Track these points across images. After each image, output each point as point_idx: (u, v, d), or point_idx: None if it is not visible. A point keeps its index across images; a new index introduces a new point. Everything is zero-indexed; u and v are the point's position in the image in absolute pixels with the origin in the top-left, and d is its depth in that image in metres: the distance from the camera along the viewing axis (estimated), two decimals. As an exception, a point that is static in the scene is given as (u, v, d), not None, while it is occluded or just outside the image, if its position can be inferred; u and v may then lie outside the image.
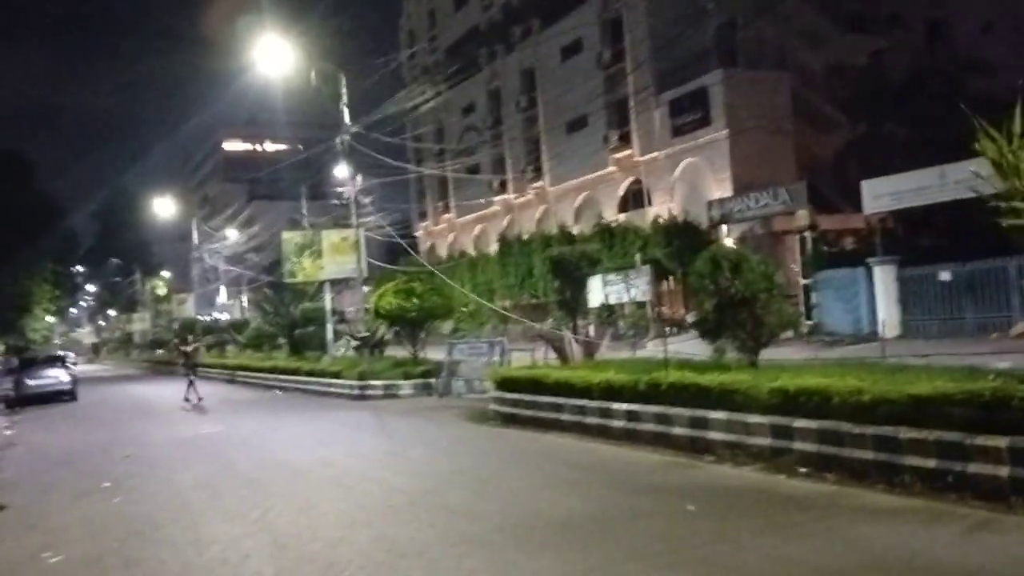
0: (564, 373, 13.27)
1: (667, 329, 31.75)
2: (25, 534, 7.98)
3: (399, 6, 60.27)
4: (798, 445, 8.98)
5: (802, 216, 29.69)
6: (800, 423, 8.98)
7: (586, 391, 12.37)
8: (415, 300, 21.49)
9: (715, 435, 10.08)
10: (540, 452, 11.20)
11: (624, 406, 11.57)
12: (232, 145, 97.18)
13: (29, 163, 54.65)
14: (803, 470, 8.72)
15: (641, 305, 30.59)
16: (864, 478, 8.09)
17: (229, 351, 41.80)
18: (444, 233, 56.27)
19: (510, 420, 14.07)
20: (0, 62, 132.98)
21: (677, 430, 10.65)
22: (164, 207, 55.71)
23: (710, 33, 36.99)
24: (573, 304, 15.29)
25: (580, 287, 15.45)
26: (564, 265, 15.10)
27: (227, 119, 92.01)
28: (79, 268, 77.88)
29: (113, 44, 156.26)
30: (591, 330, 15.88)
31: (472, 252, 48.53)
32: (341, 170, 44.42)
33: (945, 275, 22.37)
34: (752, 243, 32.09)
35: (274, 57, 22.50)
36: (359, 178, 22.99)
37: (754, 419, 9.58)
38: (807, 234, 29.72)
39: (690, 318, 33.37)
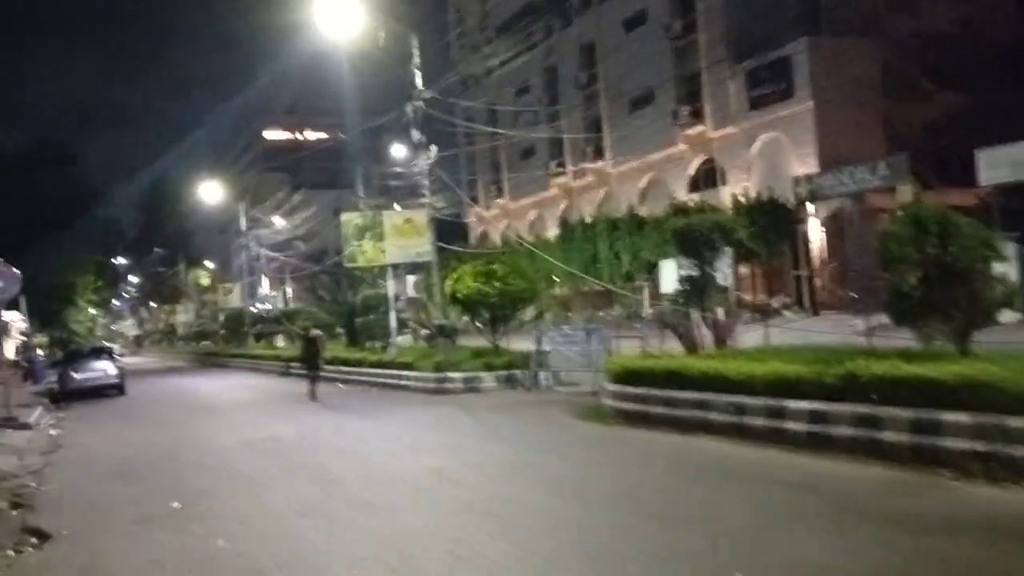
0: (710, 364, 10.99)
1: (752, 315, 29.42)
2: (77, 582, 5.96)
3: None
4: (1100, 459, 6.67)
5: (904, 192, 27.09)
6: (1104, 430, 6.65)
7: (746, 386, 10.10)
8: (496, 283, 19.33)
9: (953, 443, 7.77)
10: (705, 463, 8.97)
11: (806, 405, 9.29)
12: (274, 134, 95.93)
13: (72, 152, 53.35)
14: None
15: (722, 290, 28.13)
16: None
17: (280, 342, 40.13)
18: (497, 218, 54.09)
19: (636, 419, 11.84)
20: (50, 59, 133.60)
21: (890, 435, 8.34)
22: (207, 194, 54.18)
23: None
24: (703, 283, 13.01)
25: (711, 264, 13.17)
26: (693, 238, 12.83)
27: (269, 109, 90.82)
28: (122, 259, 77.01)
29: (160, 40, 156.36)
30: (720, 313, 13.61)
31: (528, 237, 46.34)
32: (398, 149, 42.58)
33: (1076, 253, 19.74)
34: (845, 221, 29.56)
35: (338, 19, 20.47)
36: (434, 149, 20.76)
37: (1019, 423, 7.26)
38: (899, 211, 27.05)
39: (775, 303, 31.06)
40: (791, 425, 9.44)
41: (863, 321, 23.28)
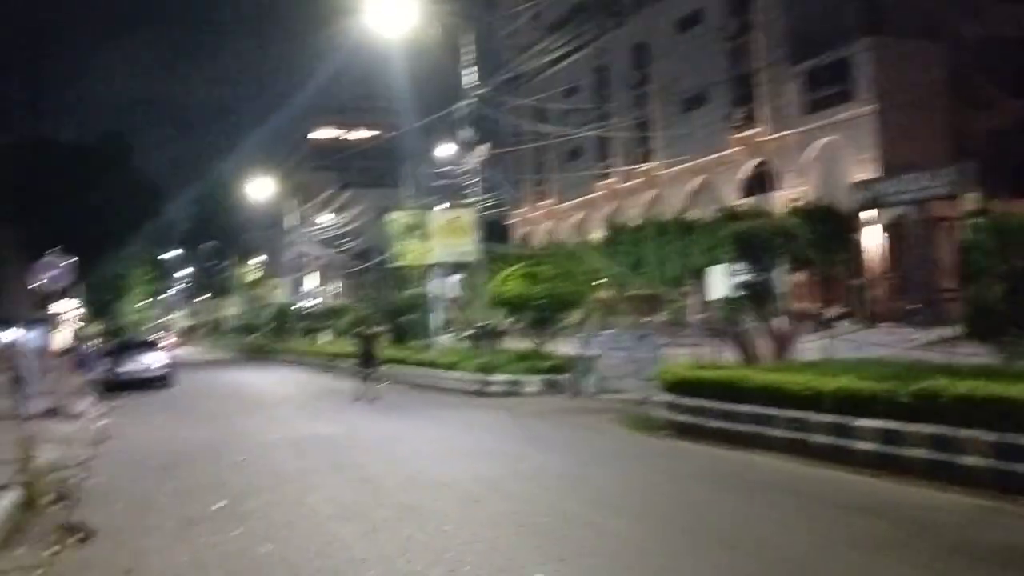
0: (772, 376, 10.51)
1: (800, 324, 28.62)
2: (118, 585, 5.75)
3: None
4: None
5: (970, 200, 26.16)
6: None
7: (811, 401, 9.60)
8: (543, 285, 19.01)
9: (1043, 471, 7.24)
10: (768, 482, 8.52)
11: (877, 423, 8.78)
12: (323, 133, 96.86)
13: (127, 145, 54.27)
14: None
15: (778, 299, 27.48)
16: None
17: (323, 338, 40.25)
18: (541, 220, 53.74)
19: (690, 431, 11.42)
20: (107, 56, 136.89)
21: (971, 460, 7.82)
22: (257, 191, 54.79)
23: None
24: (762, 290, 12.51)
25: (771, 270, 12.67)
26: (754, 243, 12.34)
27: (319, 107, 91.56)
28: (174, 252, 78.29)
29: (214, 37, 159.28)
30: (780, 323, 13.10)
31: (572, 239, 45.90)
32: (446, 148, 42.49)
33: None
34: (906, 230, 28.68)
35: (391, 16, 20.35)
36: (485, 146, 20.50)
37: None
38: (978, 220, 26.05)
39: (830, 313, 30.24)
40: (860, 444, 8.95)
41: (924, 334, 22.46)
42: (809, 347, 14.32)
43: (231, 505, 7.86)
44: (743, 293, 12.88)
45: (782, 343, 12.64)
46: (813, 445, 9.50)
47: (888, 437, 8.64)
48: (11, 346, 19.84)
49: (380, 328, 21.24)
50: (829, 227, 29.48)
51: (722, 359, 13.58)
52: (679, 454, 10.35)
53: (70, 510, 8.05)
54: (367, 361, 19.68)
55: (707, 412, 11.28)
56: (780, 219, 17.61)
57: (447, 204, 31.19)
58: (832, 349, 14.32)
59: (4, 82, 44.43)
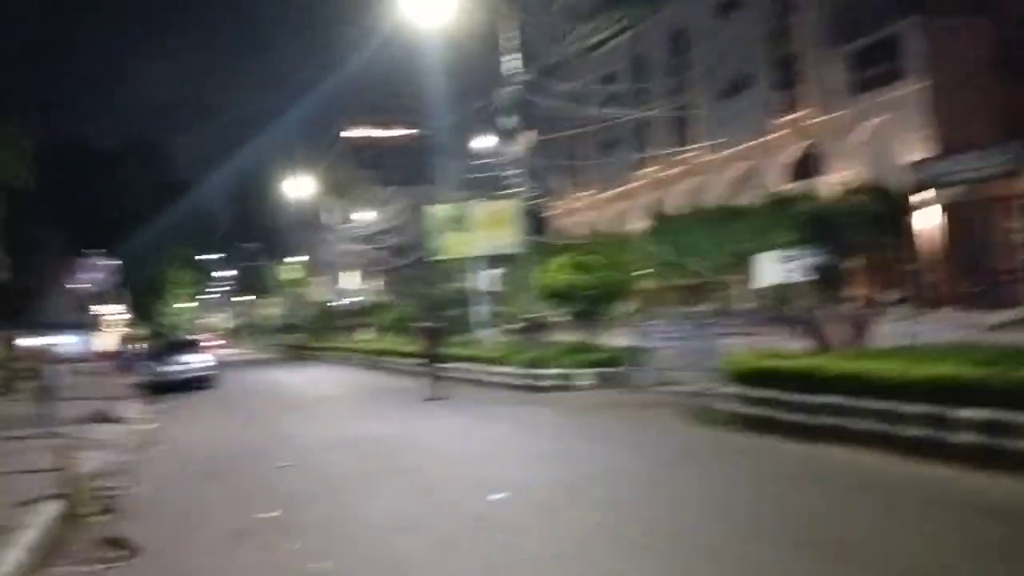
0: (852, 364, 9.77)
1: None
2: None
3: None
4: None
5: (1029, 178, 25.01)
6: None
7: (901, 390, 8.86)
8: (591, 276, 18.35)
9: None
10: (863, 479, 7.81)
11: (979, 413, 8.03)
12: (356, 131, 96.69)
13: (167, 151, 54.86)
14: None
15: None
16: None
17: (362, 335, 39.96)
18: (580, 210, 52.91)
19: (761, 425, 10.71)
20: (142, 57, 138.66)
21: (1097, 453, 7.07)
22: (294, 189, 54.84)
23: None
24: (835, 274, 11.74)
25: (843, 252, 11.89)
26: (826, 223, 11.57)
27: (353, 107, 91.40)
28: (215, 254, 78.80)
29: (249, 37, 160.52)
30: (850, 308, 12.33)
31: (612, 230, 45.07)
32: (483, 142, 41.95)
33: None
34: (962, 210, 27.49)
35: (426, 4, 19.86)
36: (532, 134, 19.85)
37: None
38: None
39: (888, 298, 29.12)
40: (959, 437, 8.20)
41: (991, 316, 21.27)
42: (880, 332, 13.52)
43: (285, 516, 7.34)
44: (813, 277, 12.09)
45: (858, 329, 11.84)
46: (904, 438, 8.77)
47: (992, 428, 7.90)
48: (44, 351, 19.60)
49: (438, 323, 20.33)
50: (883, 209, 28.41)
51: (785, 347, 12.85)
52: (756, 450, 9.65)
53: (113, 523, 7.61)
54: (436, 357, 18.80)
55: (781, 404, 10.57)
56: (852, 200, 16.69)
57: (475, 198, 30.61)
58: (901, 334, 13.45)
59: (44, 86, 44.87)
